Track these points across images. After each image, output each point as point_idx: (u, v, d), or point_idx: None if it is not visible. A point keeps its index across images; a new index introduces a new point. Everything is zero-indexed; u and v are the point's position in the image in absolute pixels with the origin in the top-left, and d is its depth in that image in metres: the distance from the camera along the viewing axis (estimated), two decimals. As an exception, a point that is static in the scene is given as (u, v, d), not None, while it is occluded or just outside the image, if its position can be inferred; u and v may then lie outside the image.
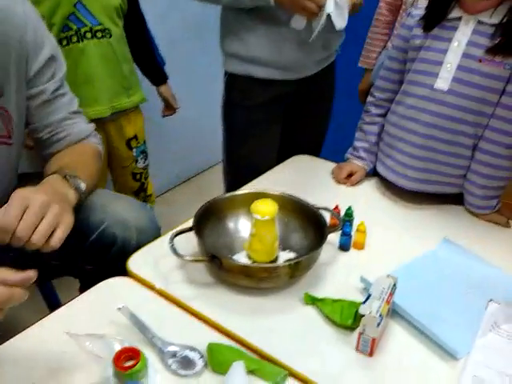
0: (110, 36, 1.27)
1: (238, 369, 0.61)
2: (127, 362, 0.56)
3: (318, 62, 1.23)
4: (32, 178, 0.96)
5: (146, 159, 1.51)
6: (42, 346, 0.68)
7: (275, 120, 1.27)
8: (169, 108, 1.61)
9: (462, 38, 0.92)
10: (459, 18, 0.93)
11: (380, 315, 0.67)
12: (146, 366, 0.55)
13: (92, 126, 0.97)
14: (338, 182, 1.13)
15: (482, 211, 1.01)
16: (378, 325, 0.67)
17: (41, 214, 0.65)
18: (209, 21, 1.89)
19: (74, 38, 1.21)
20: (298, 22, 1.09)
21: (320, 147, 1.43)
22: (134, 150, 1.45)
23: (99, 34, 1.24)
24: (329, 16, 1.05)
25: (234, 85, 1.23)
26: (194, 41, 2.07)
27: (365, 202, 1.05)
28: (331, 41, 1.22)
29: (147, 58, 1.46)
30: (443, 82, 0.94)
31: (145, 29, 1.42)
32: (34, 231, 0.64)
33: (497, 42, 0.88)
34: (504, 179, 0.99)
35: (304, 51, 1.16)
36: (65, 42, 1.22)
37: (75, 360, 0.64)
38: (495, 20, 0.89)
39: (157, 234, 0.91)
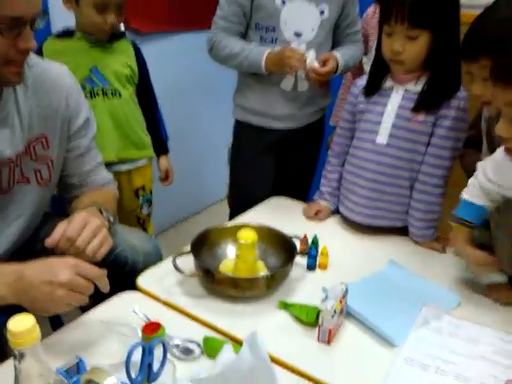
0: (120, 96, 1.51)
1: (227, 349, 0.81)
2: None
3: (304, 116, 1.55)
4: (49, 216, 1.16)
5: (149, 207, 1.72)
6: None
7: (270, 159, 1.60)
8: (165, 179, 1.77)
9: (395, 103, 1.20)
10: (392, 88, 1.21)
11: (334, 311, 0.89)
12: (164, 331, 0.77)
13: (111, 174, 1.20)
14: (308, 218, 1.37)
15: (421, 239, 1.24)
16: (333, 317, 0.88)
17: (95, 232, 0.88)
18: (213, 78, 2.24)
19: (88, 95, 1.45)
20: (286, 84, 1.46)
21: (307, 186, 1.73)
22: (141, 198, 1.66)
23: (109, 94, 1.49)
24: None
25: (239, 130, 1.59)
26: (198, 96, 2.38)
27: (328, 233, 1.27)
28: (315, 99, 1.54)
29: (153, 130, 1.67)
30: (382, 138, 1.21)
31: (154, 106, 1.66)
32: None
33: (418, 104, 1.16)
34: (437, 212, 1.23)
35: (291, 106, 1.51)
36: None
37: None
38: (418, 88, 1.18)
39: (159, 259, 1.13)
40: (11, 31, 0.81)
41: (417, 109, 1.16)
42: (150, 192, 1.72)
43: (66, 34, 1.44)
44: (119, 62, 1.50)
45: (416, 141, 1.19)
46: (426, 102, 1.16)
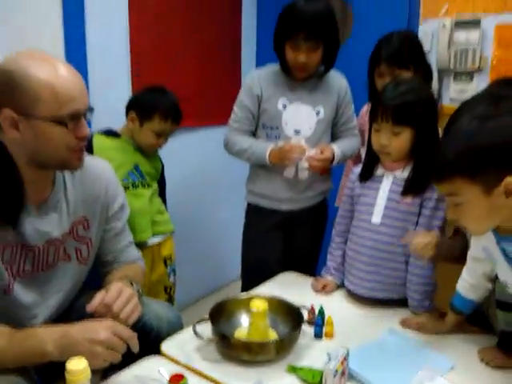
0: (153, 187, 1.82)
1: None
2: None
3: (304, 200, 1.77)
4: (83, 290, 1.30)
5: (174, 276, 1.92)
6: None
7: (278, 236, 1.79)
8: None
9: (386, 188, 1.38)
10: (383, 174, 1.40)
11: (336, 371, 0.99)
12: (187, 381, 0.89)
13: (139, 252, 1.37)
14: (316, 292, 1.49)
15: (418, 310, 1.35)
16: (335, 376, 0.99)
17: (128, 300, 1.03)
18: (230, 168, 2.44)
19: (130, 186, 1.73)
20: (288, 172, 1.70)
21: (314, 261, 1.89)
22: (168, 267, 1.87)
23: (145, 185, 1.78)
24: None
25: (250, 211, 1.83)
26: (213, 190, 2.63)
27: (334, 304, 1.40)
28: (315, 185, 1.75)
29: None
30: (377, 218, 1.37)
31: (164, 196, 1.96)
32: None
33: (405, 189, 1.34)
34: (432, 285, 1.36)
35: (293, 191, 1.73)
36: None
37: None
38: (405, 175, 1.36)
39: (181, 327, 1.26)
40: (72, 123, 1.03)
41: (405, 193, 1.34)
42: (174, 263, 1.92)
43: (112, 133, 1.75)
44: (151, 165, 1.83)
45: (406, 220, 1.35)
46: (412, 187, 1.34)
